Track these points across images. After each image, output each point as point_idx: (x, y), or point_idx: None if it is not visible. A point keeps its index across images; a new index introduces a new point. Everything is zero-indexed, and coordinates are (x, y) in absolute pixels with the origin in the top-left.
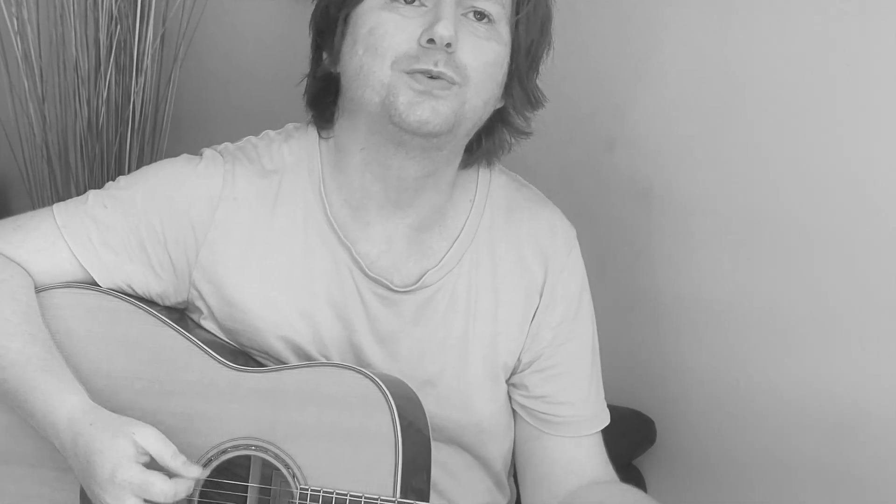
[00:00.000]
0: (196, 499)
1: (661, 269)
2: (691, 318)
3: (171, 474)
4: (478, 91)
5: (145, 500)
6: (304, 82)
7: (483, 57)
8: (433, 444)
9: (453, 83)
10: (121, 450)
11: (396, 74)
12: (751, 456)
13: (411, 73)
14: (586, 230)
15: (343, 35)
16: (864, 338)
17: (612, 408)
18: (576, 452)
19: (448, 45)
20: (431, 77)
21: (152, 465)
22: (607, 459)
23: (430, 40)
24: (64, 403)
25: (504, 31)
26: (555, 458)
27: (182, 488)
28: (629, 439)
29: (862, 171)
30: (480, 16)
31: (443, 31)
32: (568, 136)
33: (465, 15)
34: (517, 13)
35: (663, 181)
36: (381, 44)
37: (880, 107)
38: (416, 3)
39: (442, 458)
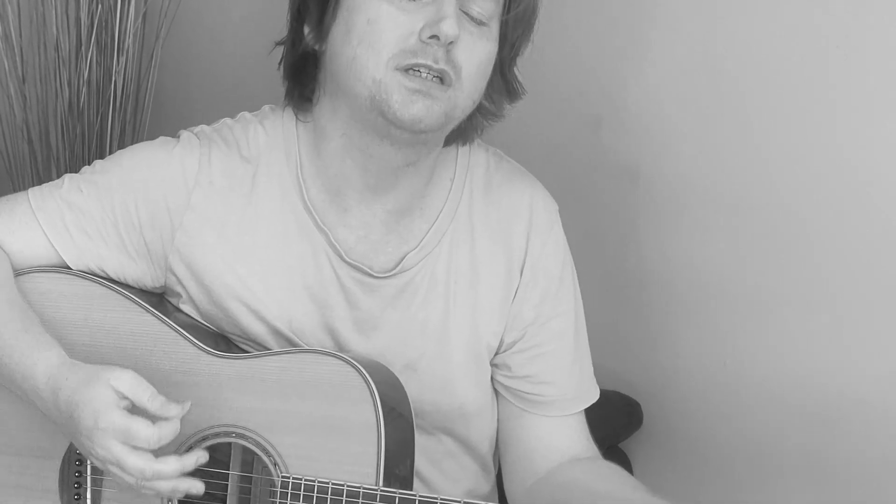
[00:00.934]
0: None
1: (648, 251)
2: (679, 300)
3: (154, 418)
4: (469, 93)
5: (133, 447)
6: (281, 54)
7: (477, 57)
8: (417, 433)
9: (449, 85)
10: (100, 397)
11: (391, 73)
12: (738, 439)
13: (406, 69)
14: (573, 211)
15: (334, 16)
16: (852, 320)
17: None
18: (559, 431)
19: (450, 42)
20: (428, 73)
21: (135, 410)
22: (590, 436)
23: (433, 36)
24: (41, 361)
25: (495, 28)
26: (537, 436)
27: (167, 431)
28: (615, 422)
29: (853, 154)
30: (478, 21)
31: (448, 29)
32: (555, 115)
33: (464, 12)
34: (508, 11)
35: (651, 161)
36: (378, 38)
37: (870, 89)
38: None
39: (426, 445)
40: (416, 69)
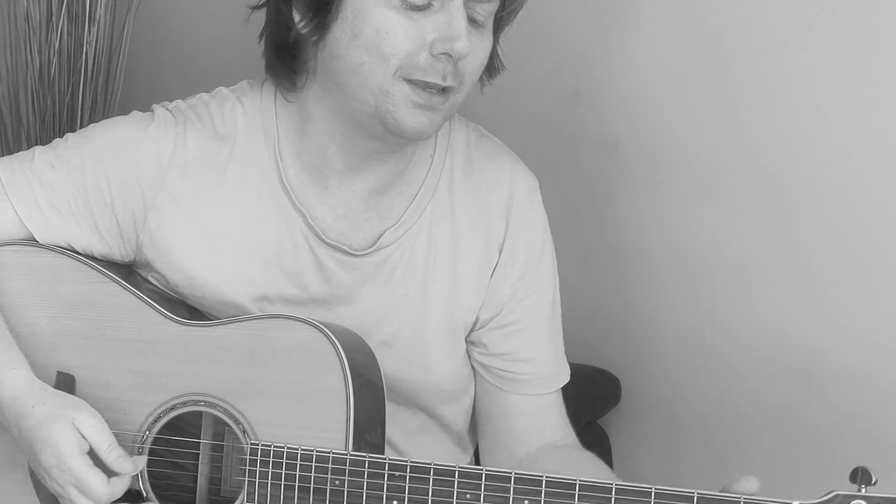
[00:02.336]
0: (146, 457)
1: (627, 223)
2: (658, 273)
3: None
4: (467, 92)
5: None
6: (259, 24)
7: (479, 60)
8: (392, 406)
9: (451, 93)
10: (63, 438)
11: (398, 83)
12: (718, 414)
13: (413, 82)
14: (551, 183)
15: (336, 15)
16: (832, 291)
17: (576, 366)
18: (535, 410)
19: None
20: (435, 89)
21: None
22: (567, 419)
23: (445, 53)
24: (5, 380)
25: (490, 24)
26: (514, 415)
27: (118, 488)
28: (594, 398)
29: (833, 125)
30: (480, 23)
31: (463, 49)
32: (533, 87)
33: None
34: (503, 8)
35: (630, 133)
36: (387, 49)
37: (851, 57)
38: (426, 9)
39: (400, 418)
40: (424, 85)
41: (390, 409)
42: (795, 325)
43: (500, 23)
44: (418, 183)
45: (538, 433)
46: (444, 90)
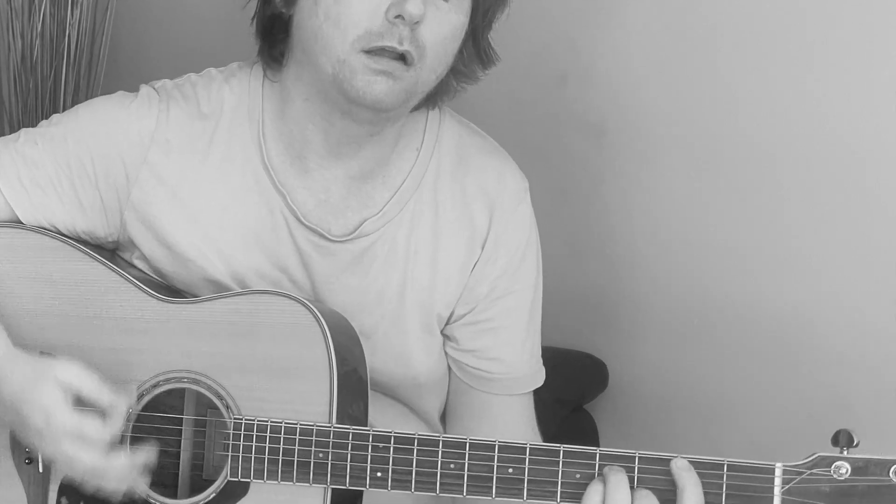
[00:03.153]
0: (129, 434)
1: (614, 207)
2: (646, 258)
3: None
4: (432, 68)
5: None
6: (251, 7)
7: (442, 32)
8: (370, 395)
9: (411, 64)
10: (47, 395)
11: (355, 54)
12: (706, 399)
13: (371, 51)
14: (537, 168)
15: None
16: (821, 273)
17: (562, 351)
18: (503, 412)
19: (415, 22)
20: (392, 54)
21: (81, 401)
22: (535, 423)
23: (398, 16)
24: None
25: (465, 2)
26: (481, 415)
27: (117, 424)
28: (580, 383)
29: (820, 105)
30: None
31: (413, 9)
32: (519, 70)
33: None
34: None
35: (617, 117)
36: (344, 16)
37: (842, 40)
38: None
39: (378, 406)
40: (381, 51)
41: (370, 402)
42: (785, 310)
43: (485, 12)
44: (402, 175)
45: (503, 435)
46: (402, 58)
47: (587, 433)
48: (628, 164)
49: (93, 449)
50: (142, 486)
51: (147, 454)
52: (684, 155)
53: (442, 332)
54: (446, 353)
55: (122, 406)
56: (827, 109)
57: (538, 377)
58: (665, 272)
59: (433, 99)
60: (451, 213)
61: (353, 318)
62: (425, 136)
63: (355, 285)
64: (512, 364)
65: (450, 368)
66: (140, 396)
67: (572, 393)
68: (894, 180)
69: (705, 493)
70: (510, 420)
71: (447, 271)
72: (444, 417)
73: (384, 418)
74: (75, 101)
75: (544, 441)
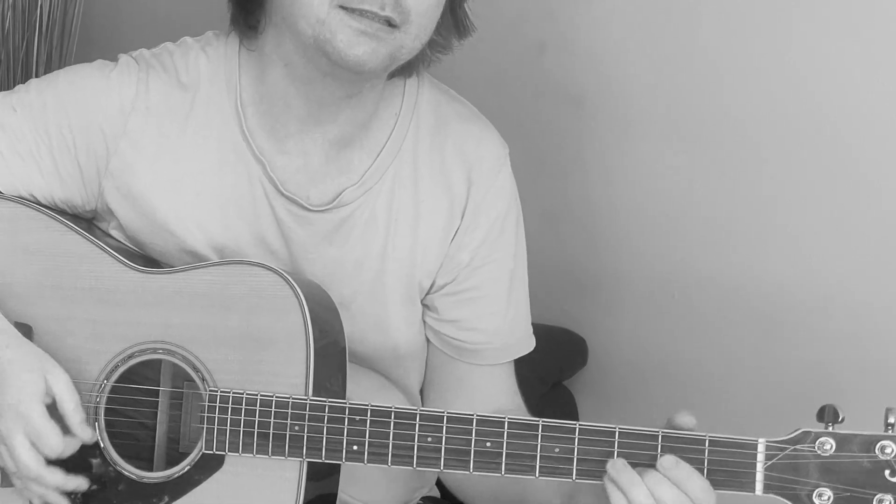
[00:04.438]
0: (104, 406)
1: (593, 178)
2: (625, 231)
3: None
4: (416, 34)
5: (32, 443)
6: None
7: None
8: (348, 366)
9: (396, 27)
10: (31, 385)
11: (334, 12)
12: (686, 375)
13: (351, 11)
14: (516, 138)
15: None
16: (804, 245)
17: (541, 326)
18: (483, 381)
19: None
20: (374, 17)
21: (52, 411)
22: (516, 390)
23: None
24: None
25: None
26: (461, 385)
27: (70, 448)
28: (559, 359)
29: (801, 73)
30: None
31: None
32: (497, 39)
33: None
34: None
35: (596, 86)
36: None
37: (824, 10)
38: None
39: (356, 378)
40: (361, 12)
41: (349, 374)
42: (767, 283)
43: None
44: (381, 141)
45: (484, 403)
46: (387, 22)
47: (566, 410)
48: (608, 135)
49: (38, 454)
50: (114, 457)
51: (79, 482)
52: (665, 125)
53: (422, 301)
54: (426, 324)
55: (85, 436)
56: (809, 80)
57: (523, 345)
58: (645, 246)
59: (409, 68)
60: (430, 180)
61: (331, 287)
62: (404, 102)
63: (334, 255)
64: (492, 334)
65: (428, 341)
66: (115, 367)
67: (551, 369)
68: (877, 153)
69: None
70: (491, 390)
71: (427, 240)
72: (423, 392)
73: (359, 388)
74: (47, 73)
75: (528, 411)
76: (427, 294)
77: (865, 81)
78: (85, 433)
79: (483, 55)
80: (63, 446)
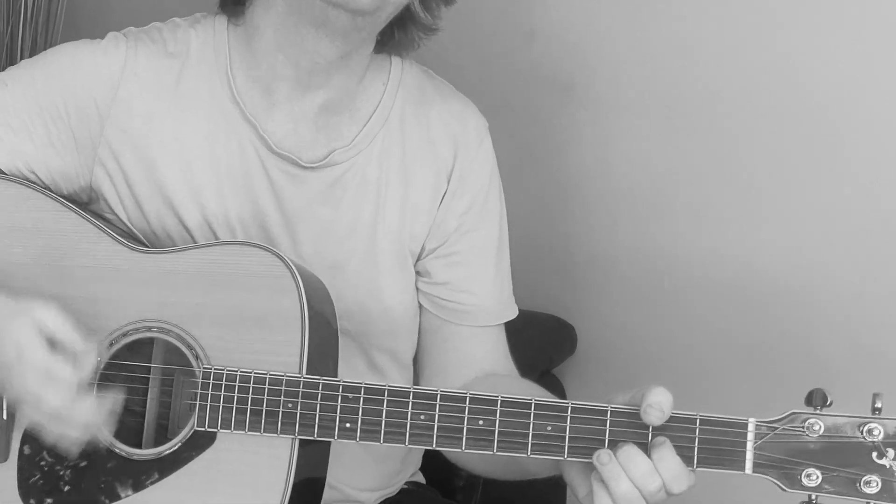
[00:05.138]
0: (97, 382)
1: (583, 165)
2: (614, 217)
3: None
4: None
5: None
6: None
7: None
8: (341, 344)
9: None
10: (23, 330)
11: None
12: (676, 363)
13: None
14: (505, 125)
15: None
16: (794, 230)
17: (529, 313)
18: (474, 343)
19: None
20: None
21: (55, 346)
22: (508, 354)
23: None
24: None
25: None
26: (453, 347)
27: (85, 369)
28: (548, 347)
29: (788, 57)
30: None
31: None
32: (486, 26)
33: None
34: None
35: (585, 74)
36: None
37: None
38: None
39: (347, 355)
40: None
41: (343, 345)
42: (758, 270)
43: None
44: (369, 110)
45: (475, 367)
46: None
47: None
48: (597, 122)
49: (60, 390)
50: (105, 434)
51: (113, 401)
52: (653, 112)
53: (415, 267)
54: (419, 290)
55: (91, 354)
56: (797, 64)
57: (510, 311)
58: (634, 232)
59: (397, 48)
60: (417, 148)
61: (326, 250)
62: (391, 75)
63: (327, 216)
64: (483, 296)
65: (421, 307)
66: (110, 345)
67: (539, 357)
68: (866, 137)
69: (678, 447)
70: (484, 353)
71: (417, 205)
72: (416, 360)
73: (356, 370)
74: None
75: (534, 378)
76: (419, 259)
77: (851, 63)
78: (89, 350)
79: (472, 42)
80: (77, 371)
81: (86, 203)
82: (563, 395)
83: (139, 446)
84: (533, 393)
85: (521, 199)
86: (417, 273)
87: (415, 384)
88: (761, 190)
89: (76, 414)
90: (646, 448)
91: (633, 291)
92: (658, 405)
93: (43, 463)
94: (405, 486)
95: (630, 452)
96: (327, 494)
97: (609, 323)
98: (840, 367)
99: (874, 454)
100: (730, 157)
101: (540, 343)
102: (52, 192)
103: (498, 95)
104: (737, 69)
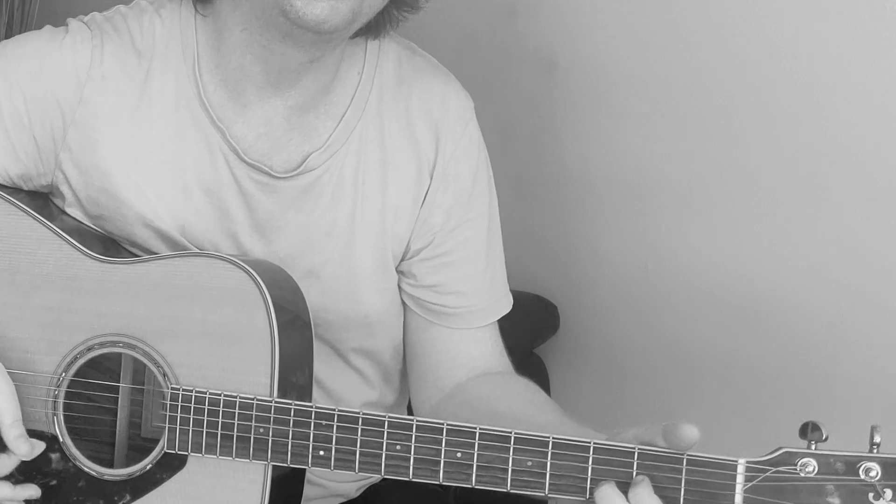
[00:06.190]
0: (62, 400)
1: (566, 145)
2: (599, 198)
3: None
4: None
5: None
6: None
7: None
8: (318, 343)
9: None
10: None
11: None
12: (659, 344)
13: None
14: (487, 103)
15: None
16: (778, 217)
17: (513, 293)
18: (466, 344)
19: None
20: None
21: None
22: (503, 350)
23: None
24: None
25: None
26: (443, 350)
27: (6, 465)
28: (531, 326)
29: (779, 42)
30: None
31: None
32: (467, 2)
33: None
34: None
35: (568, 51)
36: None
37: None
38: None
39: (325, 356)
40: None
41: (317, 347)
42: (741, 255)
43: None
44: (345, 103)
45: (467, 367)
46: None
47: (538, 379)
48: (580, 101)
49: None
50: None
51: (31, 491)
52: (639, 91)
53: (398, 268)
54: (403, 290)
55: (21, 451)
56: (788, 50)
57: (503, 305)
58: (619, 213)
59: (376, 29)
60: (397, 141)
61: (301, 255)
62: (366, 61)
63: (303, 222)
64: (474, 296)
65: (405, 307)
66: (74, 360)
67: (522, 337)
68: (861, 135)
69: (663, 488)
70: (476, 353)
71: (398, 204)
72: (406, 359)
73: (333, 369)
74: (8, 36)
75: (516, 358)
76: (402, 260)
77: (845, 55)
78: (21, 448)
79: (453, 18)
80: (4, 461)
81: (46, 195)
82: (546, 376)
83: (111, 465)
84: (525, 396)
85: (504, 180)
86: (401, 273)
87: (406, 383)
88: (745, 172)
89: None
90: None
91: (616, 272)
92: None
93: (13, 482)
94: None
95: (608, 493)
96: (309, 491)
97: (592, 303)
98: (825, 360)
99: (871, 495)
100: (715, 140)
101: (523, 323)
102: (6, 192)
103: (479, 73)
104: (725, 52)
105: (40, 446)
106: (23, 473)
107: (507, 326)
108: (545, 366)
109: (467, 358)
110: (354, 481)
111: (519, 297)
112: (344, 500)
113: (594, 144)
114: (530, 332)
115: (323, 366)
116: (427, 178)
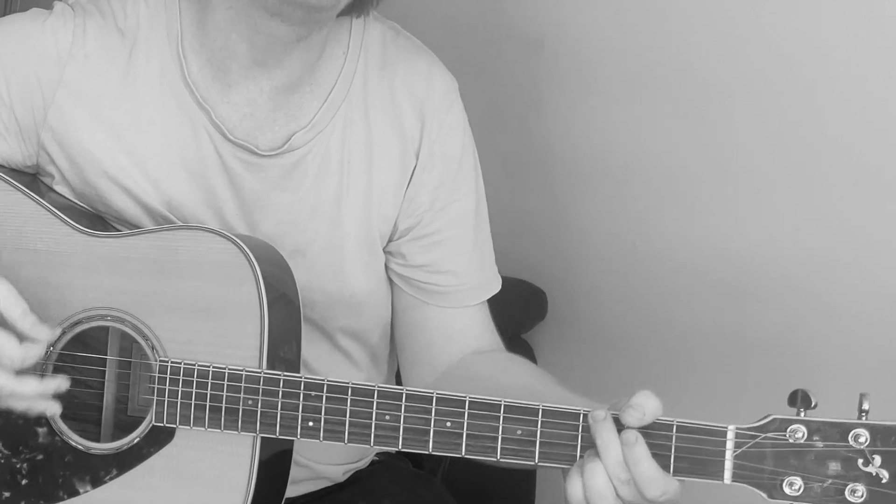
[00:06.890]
0: (49, 373)
1: (553, 126)
2: (586, 181)
3: (22, 337)
4: None
5: None
6: None
7: None
8: (305, 324)
9: None
10: None
11: None
12: (648, 328)
13: None
14: (474, 84)
15: None
16: (767, 193)
17: (501, 278)
18: (458, 323)
19: None
20: None
21: (2, 324)
22: (493, 328)
23: None
24: None
25: None
26: (435, 328)
27: (32, 353)
28: (518, 312)
29: (770, 25)
30: None
31: None
32: None
33: None
34: None
35: (557, 30)
36: None
37: None
38: None
39: (313, 337)
40: None
41: (304, 328)
42: (729, 236)
43: None
44: (330, 82)
45: (461, 345)
46: None
47: None
48: (569, 81)
49: (4, 368)
50: (52, 411)
51: (58, 382)
52: (628, 72)
53: (385, 248)
54: (392, 270)
55: (42, 336)
56: (779, 29)
57: (493, 284)
58: (607, 196)
59: (359, 6)
60: (382, 121)
61: (287, 235)
62: (351, 40)
63: (288, 201)
64: (464, 274)
65: (393, 286)
66: (62, 334)
67: (510, 322)
68: (851, 119)
69: (653, 455)
70: (468, 332)
71: (383, 184)
72: (396, 338)
73: (320, 350)
74: None
75: (504, 343)
76: (391, 241)
77: (831, 31)
78: (40, 333)
79: None
80: (24, 353)
81: (33, 174)
82: (533, 361)
83: (98, 440)
84: (518, 372)
85: (490, 162)
86: (389, 254)
87: (394, 365)
88: (733, 150)
89: (20, 392)
90: None
91: (605, 254)
92: (640, 406)
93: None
94: (376, 458)
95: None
96: (296, 472)
97: (580, 288)
98: (813, 337)
99: (860, 461)
100: (705, 121)
101: (511, 308)
102: None
103: (467, 52)
104: (717, 31)
105: (57, 328)
106: (9, 448)
107: (496, 311)
108: (533, 350)
109: (461, 336)
110: (342, 464)
111: (507, 282)
112: (330, 483)
113: (581, 126)
114: (518, 317)
115: (309, 346)
116: (413, 158)
